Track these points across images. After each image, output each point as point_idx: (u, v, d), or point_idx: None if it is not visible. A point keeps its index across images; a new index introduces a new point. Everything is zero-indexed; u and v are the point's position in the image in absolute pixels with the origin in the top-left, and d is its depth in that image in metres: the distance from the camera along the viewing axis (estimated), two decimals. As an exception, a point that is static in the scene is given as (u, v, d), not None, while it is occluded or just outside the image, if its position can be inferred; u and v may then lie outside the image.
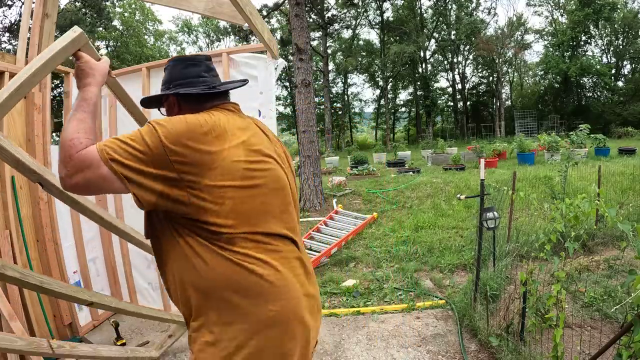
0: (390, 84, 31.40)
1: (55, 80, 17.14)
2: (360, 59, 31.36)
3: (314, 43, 27.41)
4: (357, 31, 31.37)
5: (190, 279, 1.08)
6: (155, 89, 3.04)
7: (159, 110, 1.36)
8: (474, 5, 29.34)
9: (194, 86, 1.22)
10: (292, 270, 1.13)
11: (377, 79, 32.69)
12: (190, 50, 34.68)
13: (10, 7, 17.79)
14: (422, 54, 30.13)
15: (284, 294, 1.09)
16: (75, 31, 1.23)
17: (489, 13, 30.20)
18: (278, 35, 26.35)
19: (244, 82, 1.39)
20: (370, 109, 36.25)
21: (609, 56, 27.65)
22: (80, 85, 1.15)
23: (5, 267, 1.38)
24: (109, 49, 25.93)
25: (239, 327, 1.06)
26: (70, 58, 1.27)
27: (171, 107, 1.27)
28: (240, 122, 1.17)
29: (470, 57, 31.23)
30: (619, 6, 25.11)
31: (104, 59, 1.29)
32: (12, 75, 2.69)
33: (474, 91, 32.76)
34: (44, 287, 1.47)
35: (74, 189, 0.98)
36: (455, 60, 31.44)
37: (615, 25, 26.03)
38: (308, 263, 1.25)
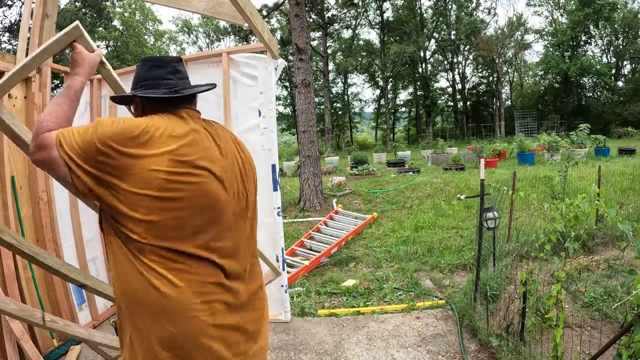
0: (390, 84, 31.39)
1: (55, 80, 17.13)
2: (360, 59, 31.34)
3: (314, 43, 27.41)
4: (357, 31, 31.40)
5: (114, 277, 1.09)
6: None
7: (128, 108, 1.36)
8: (474, 5, 29.35)
9: (157, 88, 1.19)
10: (200, 295, 1.05)
11: (377, 79, 32.68)
12: (190, 50, 34.73)
13: (10, 7, 17.78)
14: (422, 54, 30.12)
15: (182, 317, 1.03)
16: (72, 24, 1.27)
17: (489, 13, 30.22)
18: (278, 35, 26.36)
19: (211, 86, 1.31)
20: (370, 109, 36.26)
21: (609, 56, 27.65)
22: (70, 73, 1.22)
23: (3, 231, 1.37)
24: (109, 49, 25.91)
25: (140, 341, 1.05)
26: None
27: (137, 108, 1.25)
28: (181, 129, 1.09)
29: (470, 57, 31.22)
30: (619, 6, 25.11)
31: (97, 51, 1.32)
32: (12, 75, 2.69)
33: (474, 91, 32.75)
34: (38, 259, 1.46)
35: (35, 164, 1.06)
36: (455, 60, 31.43)
37: (615, 25, 26.03)
38: (241, 292, 1.15)
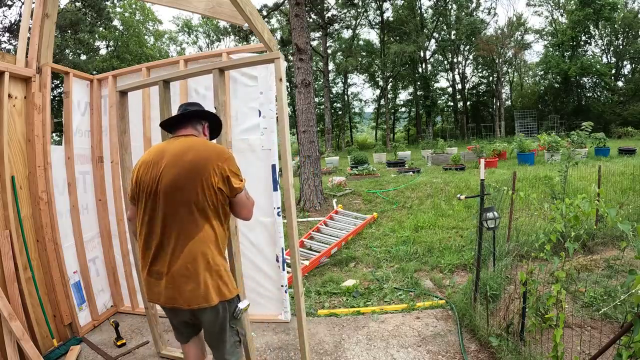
0: (390, 84, 31.37)
1: (55, 80, 17.11)
2: (360, 59, 31.32)
3: (314, 43, 27.39)
4: (357, 31, 31.37)
5: None
6: (155, 89, 3.04)
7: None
8: (474, 5, 29.33)
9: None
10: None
11: (377, 79, 32.67)
12: (190, 51, 34.70)
13: (10, 7, 17.72)
14: (422, 54, 30.11)
15: None
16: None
17: (489, 13, 30.21)
18: (278, 35, 26.32)
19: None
20: (370, 109, 36.27)
21: (609, 56, 27.62)
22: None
23: None
24: (109, 48, 25.90)
25: None
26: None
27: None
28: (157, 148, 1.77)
29: (470, 57, 31.20)
30: (619, 6, 25.09)
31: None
32: (12, 75, 2.69)
33: (474, 91, 32.74)
34: None
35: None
36: (455, 60, 31.42)
37: (615, 25, 26.01)
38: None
